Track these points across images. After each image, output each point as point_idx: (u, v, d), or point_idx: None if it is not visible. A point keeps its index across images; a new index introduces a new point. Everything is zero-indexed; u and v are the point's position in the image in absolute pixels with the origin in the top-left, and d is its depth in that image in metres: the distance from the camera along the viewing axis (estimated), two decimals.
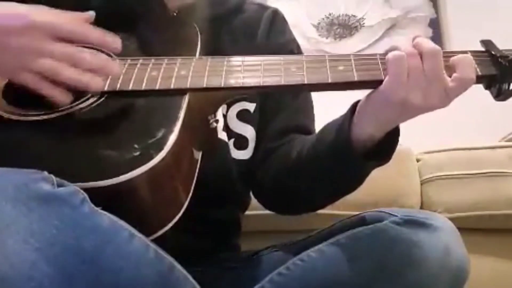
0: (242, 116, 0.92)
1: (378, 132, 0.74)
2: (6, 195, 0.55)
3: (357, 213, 0.83)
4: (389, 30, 2.73)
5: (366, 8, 2.77)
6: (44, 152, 0.66)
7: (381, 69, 0.71)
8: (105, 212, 0.60)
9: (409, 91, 0.69)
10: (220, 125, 0.89)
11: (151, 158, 0.63)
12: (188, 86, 0.72)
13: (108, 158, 0.65)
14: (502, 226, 1.31)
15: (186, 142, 0.70)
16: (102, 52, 0.72)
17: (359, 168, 0.78)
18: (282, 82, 0.72)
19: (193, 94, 0.72)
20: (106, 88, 0.72)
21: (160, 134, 0.66)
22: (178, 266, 0.65)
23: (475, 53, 0.72)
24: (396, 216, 0.75)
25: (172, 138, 0.66)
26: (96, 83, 0.69)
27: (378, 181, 1.14)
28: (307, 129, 0.96)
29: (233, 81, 0.73)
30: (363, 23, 2.76)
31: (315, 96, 0.99)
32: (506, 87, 0.71)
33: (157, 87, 0.72)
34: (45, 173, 0.58)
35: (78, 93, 0.70)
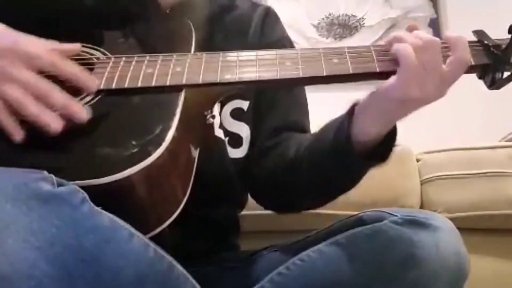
0: (236, 114, 0.92)
1: (384, 131, 0.74)
2: (6, 194, 0.55)
3: (356, 213, 0.82)
4: (389, 30, 2.73)
5: (366, 8, 2.77)
6: (42, 150, 0.66)
7: (376, 61, 0.71)
8: (105, 212, 0.60)
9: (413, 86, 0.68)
10: (217, 122, 0.90)
11: (149, 155, 0.63)
12: (184, 82, 0.72)
13: (106, 155, 0.65)
14: (502, 226, 1.31)
15: (184, 138, 0.70)
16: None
17: (359, 168, 0.78)
18: (278, 76, 0.72)
19: (189, 90, 0.72)
20: (102, 86, 0.71)
21: (157, 131, 0.66)
22: (178, 266, 0.65)
23: (468, 43, 0.72)
24: (396, 216, 0.75)
25: (170, 135, 0.66)
26: (56, 126, 0.65)
27: (378, 181, 1.14)
28: (302, 126, 0.96)
29: (228, 76, 0.73)
30: (363, 23, 2.76)
31: (309, 91, 0.99)
32: (500, 75, 0.72)
33: (153, 84, 0.72)
34: (45, 172, 0.58)
35: (75, 91, 0.70)
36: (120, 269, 0.57)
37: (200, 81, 0.72)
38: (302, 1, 2.77)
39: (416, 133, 1.30)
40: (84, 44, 0.72)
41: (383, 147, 0.76)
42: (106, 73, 0.73)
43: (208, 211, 0.89)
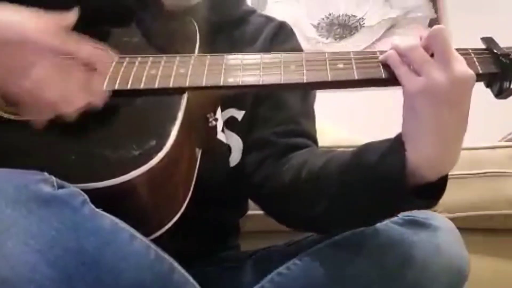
0: (229, 124, 0.89)
1: (442, 149, 0.68)
2: (6, 196, 0.55)
3: None
4: (389, 30, 2.73)
5: (366, 8, 2.77)
6: (44, 152, 0.66)
7: (381, 67, 0.69)
8: (106, 214, 0.60)
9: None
10: (220, 125, 0.89)
11: (151, 158, 0.63)
12: (187, 84, 0.71)
13: (107, 158, 0.64)
14: (502, 226, 1.30)
15: (186, 141, 0.70)
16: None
17: (404, 205, 0.70)
18: (281, 81, 0.71)
19: (192, 93, 0.71)
20: (104, 88, 0.71)
21: (159, 133, 0.66)
22: (179, 267, 0.65)
23: (476, 51, 0.71)
24: (396, 216, 0.75)
25: (172, 138, 0.65)
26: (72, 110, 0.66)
27: None
28: (307, 133, 0.91)
29: (232, 80, 0.71)
30: (363, 23, 2.76)
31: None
32: (507, 85, 0.71)
33: (156, 86, 0.71)
34: (46, 174, 0.59)
35: None
36: (121, 272, 0.57)
37: (204, 84, 0.71)
38: (302, 1, 2.77)
39: None
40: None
41: (431, 187, 0.68)
42: (109, 74, 0.73)
43: (209, 212, 0.89)
